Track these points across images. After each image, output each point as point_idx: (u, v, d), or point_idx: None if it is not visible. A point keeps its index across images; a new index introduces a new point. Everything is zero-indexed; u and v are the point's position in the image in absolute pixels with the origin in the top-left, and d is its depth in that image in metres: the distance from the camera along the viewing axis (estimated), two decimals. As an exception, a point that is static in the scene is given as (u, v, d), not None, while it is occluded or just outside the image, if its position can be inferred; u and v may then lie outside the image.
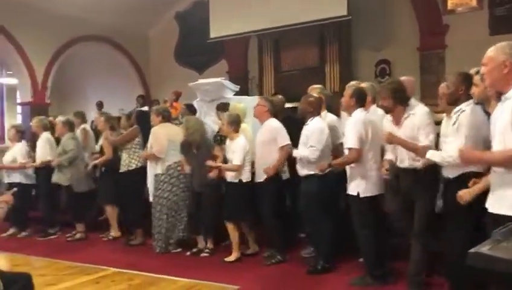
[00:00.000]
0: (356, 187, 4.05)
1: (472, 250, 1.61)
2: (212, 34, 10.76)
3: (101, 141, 6.83)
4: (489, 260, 1.56)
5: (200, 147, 5.30)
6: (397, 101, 3.77)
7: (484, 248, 1.62)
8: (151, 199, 5.70)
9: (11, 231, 6.84)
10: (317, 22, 9.51)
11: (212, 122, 6.18)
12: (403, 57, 9.63)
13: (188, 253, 5.41)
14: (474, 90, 3.30)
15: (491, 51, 2.59)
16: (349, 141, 4.02)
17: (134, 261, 5.17)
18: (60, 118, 6.64)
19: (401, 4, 9.65)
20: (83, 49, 12.41)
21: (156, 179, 5.60)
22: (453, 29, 9.18)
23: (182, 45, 13.02)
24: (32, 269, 4.71)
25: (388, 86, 3.85)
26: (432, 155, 3.35)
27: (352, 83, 4.80)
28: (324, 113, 4.87)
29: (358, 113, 4.12)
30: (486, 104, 3.28)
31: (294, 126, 4.84)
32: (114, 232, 6.35)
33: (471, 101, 3.30)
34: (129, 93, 12.41)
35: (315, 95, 4.79)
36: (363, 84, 4.60)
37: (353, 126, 4.05)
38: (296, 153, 4.54)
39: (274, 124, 4.93)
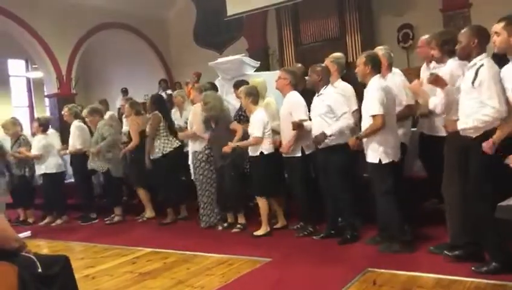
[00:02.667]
0: (376, 154, 4.01)
1: (502, 203, 1.57)
2: (230, 11, 10.66)
3: (125, 127, 6.94)
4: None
5: (218, 122, 5.31)
6: (445, 53, 3.70)
7: (515, 201, 1.58)
8: (193, 177, 5.82)
9: (48, 219, 7.06)
10: (335, -11, 9.32)
11: (234, 100, 6.17)
12: (425, 20, 9.33)
13: (220, 228, 5.49)
14: (495, 39, 3.16)
15: None
16: (373, 108, 3.95)
17: (168, 240, 5.28)
18: (86, 110, 6.73)
19: (421, -37, 9.37)
20: (103, 37, 12.53)
21: (194, 157, 5.67)
22: (478, -15, 8.85)
23: (200, 26, 12.98)
24: (71, 253, 4.84)
25: (437, 36, 3.77)
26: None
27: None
28: (338, 81, 4.79)
29: (377, 80, 4.05)
30: (509, 53, 3.15)
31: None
32: (149, 213, 6.48)
33: (484, 54, 3.26)
34: (152, 78, 12.51)
35: (322, 65, 4.71)
36: (379, 48, 4.48)
37: (374, 93, 3.97)
38: (331, 130, 4.37)
39: (293, 98, 4.87)
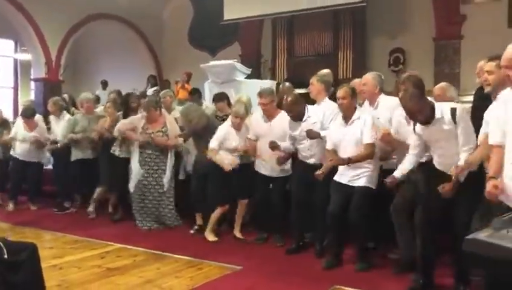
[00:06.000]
0: (366, 179, 4.10)
1: (470, 236, 1.61)
2: (226, 16, 10.70)
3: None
4: (487, 246, 1.56)
5: (205, 133, 5.29)
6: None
7: (482, 235, 1.62)
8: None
9: (12, 205, 6.92)
10: (332, 7, 9.42)
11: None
12: (417, 47, 9.51)
13: (192, 231, 5.47)
14: (487, 77, 3.22)
15: None
16: (367, 136, 4.07)
17: (140, 238, 5.23)
18: (90, 96, 6.74)
19: (418, -8, 9.53)
20: (97, 27, 12.45)
21: None
22: (470, 19, 9.03)
23: (195, 26, 12.97)
24: (40, 241, 4.78)
25: (412, 79, 3.68)
26: None
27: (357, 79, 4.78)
28: (324, 100, 4.74)
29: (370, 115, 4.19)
30: (496, 92, 3.19)
31: None
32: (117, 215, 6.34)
33: None
34: (141, 73, 12.44)
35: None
36: (369, 75, 4.52)
37: (369, 124, 4.07)
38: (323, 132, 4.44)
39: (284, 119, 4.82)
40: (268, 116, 4.88)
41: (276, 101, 4.94)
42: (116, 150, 6.09)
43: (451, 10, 9.22)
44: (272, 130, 4.83)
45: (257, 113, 5.10)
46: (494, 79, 3.14)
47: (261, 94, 4.90)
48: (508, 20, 8.62)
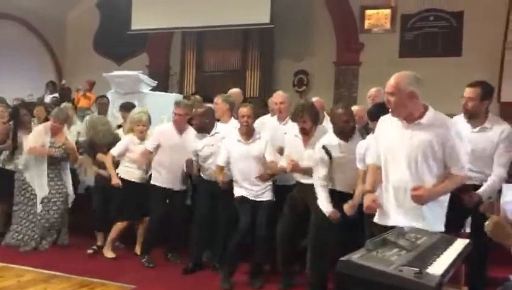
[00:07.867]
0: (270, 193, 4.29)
1: (343, 258, 1.72)
2: (134, 26, 10.49)
3: None
4: (357, 267, 1.67)
5: (110, 145, 5.12)
6: (315, 123, 4.00)
7: (355, 256, 1.74)
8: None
9: None
10: (240, 26, 9.63)
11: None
12: (320, 70, 10.02)
13: (90, 251, 5.21)
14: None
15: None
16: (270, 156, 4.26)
17: (27, 257, 4.90)
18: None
19: (322, 19, 10.01)
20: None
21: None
22: (368, 47, 9.71)
23: (101, 34, 12.46)
24: None
25: (309, 109, 3.97)
26: None
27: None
28: (231, 120, 4.83)
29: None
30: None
31: None
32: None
33: None
34: (40, 78, 11.66)
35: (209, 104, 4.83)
36: (284, 93, 4.72)
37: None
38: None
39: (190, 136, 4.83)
40: (179, 129, 4.82)
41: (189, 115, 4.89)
42: (5, 163, 5.66)
43: (351, 38, 9.85)
44: (183, 143, 4.76)
45: (168, 124, 5.00)
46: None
47: (178, 104, 4.86)
48: (399, 51, 9.41)
